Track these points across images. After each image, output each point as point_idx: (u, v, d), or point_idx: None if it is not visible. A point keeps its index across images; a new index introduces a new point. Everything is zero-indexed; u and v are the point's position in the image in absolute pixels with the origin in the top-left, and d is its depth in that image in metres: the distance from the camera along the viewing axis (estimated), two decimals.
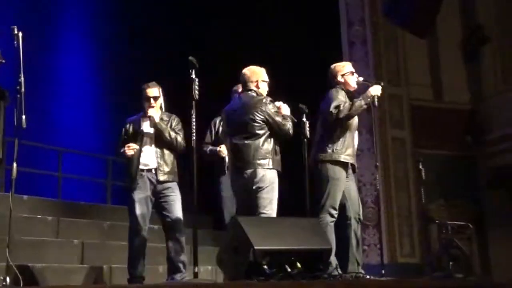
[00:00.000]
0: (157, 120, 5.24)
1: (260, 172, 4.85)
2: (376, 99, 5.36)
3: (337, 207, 5.24)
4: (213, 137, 5.98)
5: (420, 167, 7.11)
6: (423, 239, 9.04)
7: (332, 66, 5.54)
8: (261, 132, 4.92)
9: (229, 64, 8.81)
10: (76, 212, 7.28)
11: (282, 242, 4.45)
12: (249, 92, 5.05)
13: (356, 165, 5.46)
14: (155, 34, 10.01)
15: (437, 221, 7.87)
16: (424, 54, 9.95)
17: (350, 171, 5.38)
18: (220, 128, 5.85)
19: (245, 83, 5.10)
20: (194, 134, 4.59)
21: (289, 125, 5.01)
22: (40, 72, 10.26)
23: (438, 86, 9.94)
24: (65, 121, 10.31)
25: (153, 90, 5.31)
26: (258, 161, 4.86)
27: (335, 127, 5.31)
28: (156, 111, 5.30)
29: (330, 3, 9.43)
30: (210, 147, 5.93)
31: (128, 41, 10.04)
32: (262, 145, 4.90)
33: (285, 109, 5.11)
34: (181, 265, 5.14)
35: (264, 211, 4.84)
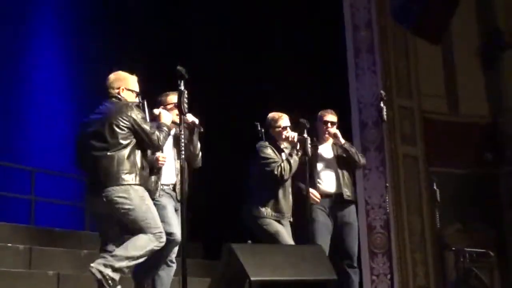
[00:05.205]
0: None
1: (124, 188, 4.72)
2: (384, 112, 5.43)
3: None
4: None
5: (435, 187, 7.14)
6: (438, 268, 9.05)
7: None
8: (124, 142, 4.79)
9: (222, 74, 8.90)
10: (51, 240, 7.27)
11: (281, 273, 4.46)
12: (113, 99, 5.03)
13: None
14: (142, 43, 10.01)
15: (454, 248, 7.88)
16: (437, 61, 9.99)
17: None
18: None
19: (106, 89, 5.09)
20: (183, 152, 4.59)
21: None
22: (9, 82, 10.28)
23: (453, 97, 9.98)
24: (38, 137, 10.31)
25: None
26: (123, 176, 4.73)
27: None
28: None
29: (332, 5, 9.45)
30: None
31: (110, 49, 10.07)
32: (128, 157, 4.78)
33: (166, 117, 5.04)
34: None
35: None
